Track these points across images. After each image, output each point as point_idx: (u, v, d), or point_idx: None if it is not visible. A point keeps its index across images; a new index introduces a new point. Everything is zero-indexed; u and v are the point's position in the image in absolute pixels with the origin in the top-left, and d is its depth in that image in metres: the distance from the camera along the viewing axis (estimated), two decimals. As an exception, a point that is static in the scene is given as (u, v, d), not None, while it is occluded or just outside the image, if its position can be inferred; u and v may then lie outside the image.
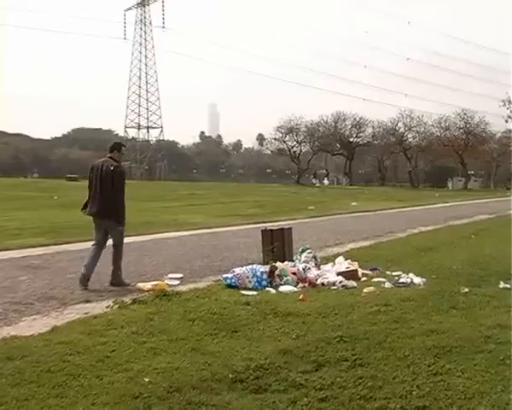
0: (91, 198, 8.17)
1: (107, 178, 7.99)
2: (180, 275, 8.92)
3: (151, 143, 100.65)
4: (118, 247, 8.15)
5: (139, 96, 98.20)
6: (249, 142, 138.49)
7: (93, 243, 8.23)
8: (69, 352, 4.89)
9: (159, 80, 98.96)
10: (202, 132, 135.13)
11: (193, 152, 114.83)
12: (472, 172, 79.30)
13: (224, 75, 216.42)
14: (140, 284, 7.97)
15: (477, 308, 6.50)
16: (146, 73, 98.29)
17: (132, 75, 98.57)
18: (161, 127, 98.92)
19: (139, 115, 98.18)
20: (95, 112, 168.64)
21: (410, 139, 74.31)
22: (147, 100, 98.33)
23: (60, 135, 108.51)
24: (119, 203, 7.98)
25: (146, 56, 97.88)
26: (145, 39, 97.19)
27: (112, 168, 8.01)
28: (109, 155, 8.23)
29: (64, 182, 47.12)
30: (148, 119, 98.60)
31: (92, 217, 8.18)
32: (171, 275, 8.87)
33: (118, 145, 8.39)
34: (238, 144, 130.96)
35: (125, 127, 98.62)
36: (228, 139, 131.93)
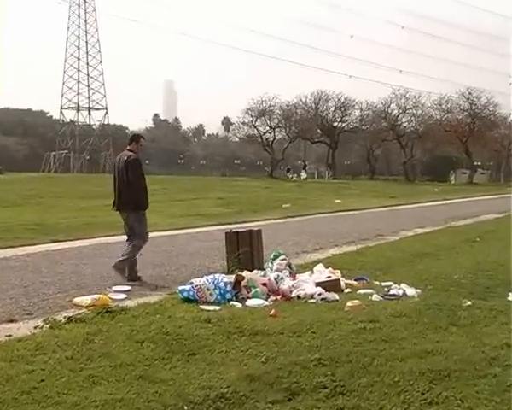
0: (115, 193, 9.76)
1: (123, 170, 9.52)
2: (127, 287, 8.88)
3: (93, 127, 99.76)
4: (133, 237, 9.60)
5: (78, 70, 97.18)
6: (213, 127, 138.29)
7: (126, 238, 9.80)
8: (-13, 383, 4.81)
9: (102, 51, 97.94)
10: (156, 115, 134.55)
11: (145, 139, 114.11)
12: (478, 163, 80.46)
13: (182, 46, 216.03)
14: (77, 299, 7.90)
15: (481, 325, 6.60)
16: (86, 42, 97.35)
17: (69, 45, 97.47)
18: (106, 108, 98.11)
19: (78, 94, 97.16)
20: (22, 90, 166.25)
21: (405, 124, 74.96)
22: (87, 75, 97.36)
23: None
24: (135, 192, 9.43)
25: (86, 21, 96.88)
26: (84, 0, 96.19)
27: (125, 158, 9.54)
28: (128, 147, 9.80)
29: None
30: (89, 98, 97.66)
31: (119, 212, 9.79)
32: (115, 287, 8.82)
33: (135, 137, 10.09)
34: (199, 130, 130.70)
35: (61, 108, 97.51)
36: (187, 123, 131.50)
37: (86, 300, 7.78)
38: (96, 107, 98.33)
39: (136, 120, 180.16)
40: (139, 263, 9.79)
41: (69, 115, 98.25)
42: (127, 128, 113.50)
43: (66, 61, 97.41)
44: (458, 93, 70.83)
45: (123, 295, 8.38)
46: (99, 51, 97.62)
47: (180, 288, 8.07)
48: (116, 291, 8.62)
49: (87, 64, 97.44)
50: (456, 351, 5.57)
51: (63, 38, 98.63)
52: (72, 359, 5.39)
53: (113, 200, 9.91)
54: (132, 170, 9.53)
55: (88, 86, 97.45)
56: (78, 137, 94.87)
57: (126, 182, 9.51)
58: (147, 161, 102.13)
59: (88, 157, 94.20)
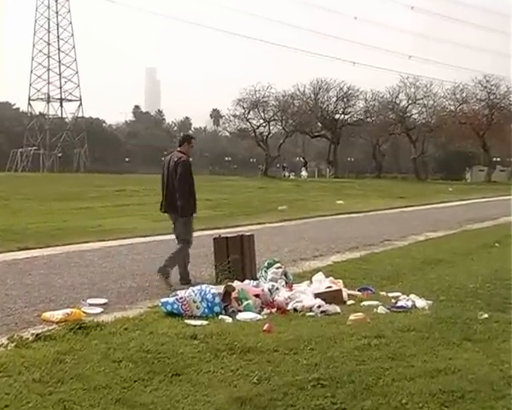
0: (163, 195, 10.47)
1: (173, 172, 10.22)
2: (103, 300, 8.87)
3: (66, 121, 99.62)
4: (180, 241, 10.36)
5: (48, 56, 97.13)
6: (201, 120, 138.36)
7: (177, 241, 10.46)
8: None
9: (75, 35, 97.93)
10: (137, 107, 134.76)
11: (124, 134, 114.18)
12: (497, 159, 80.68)
13: (166, 29, 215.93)
14: (47, 314, 7.87)
15: (499, 340, 6.62)
16: (57, 25, 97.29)
17: (38, 27, 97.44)
18: (80, 100, 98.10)
19: (48, 83, 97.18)
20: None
21: (415, 116, 75.44)
22: (59, 62, 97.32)
23: None
24: (183, 195, 10.12)
25: (56, 1, 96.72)
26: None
27: (176, 160, 10.26)
28: (178, 148, 10.56)
29: None
30: (60, 88, 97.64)
31: (167, 214, 10.59)
32: (90, 300, 8.80)
33: (187, 137, 10.99)
34: (186, 124, 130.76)
35: (29, 99, 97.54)
36: (172, 116, 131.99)
37: (57, 314, 7.75)
38: (68, 98, 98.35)
39: (114, 112, 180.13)
40: (117, 273, 9.76)
41: (38, 107, 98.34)
42: (104, 122, 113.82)
43: (34, 46, 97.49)
44: (474, 81, 71.16)
45: (98, 309, 8.35)
46: (72, 35, 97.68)
47: (163, 300, 8.06)
48: (91, 305, 8.59)
49: (58, 50, 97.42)
50: (471, 369, 5.59)
51: (31, 20, 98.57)
52: (41, 381, 5.36)
53: (161, 202, 10.62)
54: (181, 172, 10.20)
55: (59, 75, 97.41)
56: (48, 132, 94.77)
57: (176, 184, 10.19)
58: (126, 159, 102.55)
59: (60, 154, 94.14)
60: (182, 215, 10.25)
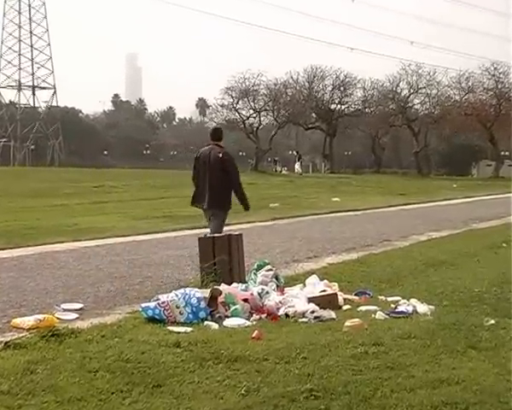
0: (200, 189, 11.16)
1: (214, 167, 10.92)
2: (79, 305, 8.85)
3: (39, 110, 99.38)
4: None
5: (19, 40, 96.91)
6: (186, 110, 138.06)
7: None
8: None
9: (49, 17, 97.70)
10: (116, 96, 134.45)
11: (102, 125, 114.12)
12: (506, 153, 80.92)
13: (148, 12, 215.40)
14: (17, 320, 7.84)
15: (506, 348, 6.64)
16: (29, 6, 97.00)
17: (8, 9, 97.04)
18: (54, 87, 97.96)
19: (20, 69, 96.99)
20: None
21: (418, 106, 75.52)
22: (31, 46, 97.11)
23: None
24: (227, 190, 11.06)
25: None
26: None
27: (220, 155, 10.98)
28: (214, 142, 11.27)
29: None
30: (33, 74, 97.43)
31: (202, 210, 11.31)
32: (64, 305, 8.78)
33: (221, 131, 11.78)
34: (169, 114, 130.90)
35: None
36: (154, 106, 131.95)
37: (28, 321, 7.72)
38: (41, 85, 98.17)
39: (91, 101, 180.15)
40: (94, 276, 9.76)
41: (8, 96, 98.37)
42: (80, 112, 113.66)
43: (4, 28, 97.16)
44: (482, 69, 71.10)
45: (73, 315, 8.33)
46: (45, 17, 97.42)
47: (144, 305, 8.05)
48: (65, 310, 8.57)
49: (30, 33, 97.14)
50: (475, 380, 5.61)
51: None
52: (10, 393, 5.34)
53: (193, 195, 11.38)
54: (232, 167, 11.18)
55: (31, 60, 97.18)
56: (19, 123, 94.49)
57: (220, 179, 10.93)
58: (105, 152, 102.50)
59: (32, 147, 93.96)
60: (225, 208, 11.17)
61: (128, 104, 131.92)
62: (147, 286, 10.26)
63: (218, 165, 10.95)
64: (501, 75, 70.39)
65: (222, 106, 70.76)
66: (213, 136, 11.47)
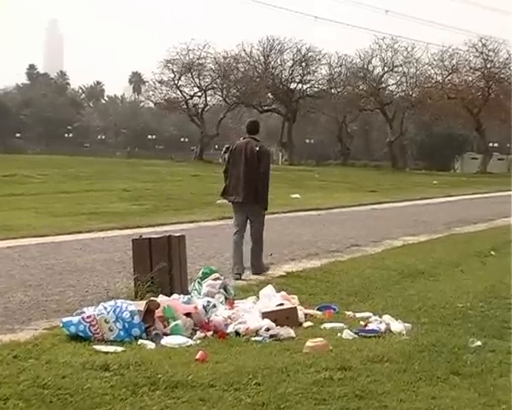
0: (234, 182, 12.42)
1: (253, 160, 12.21)
2: (-15, 319, 8.76)
3: None
4: (258, 238, 12.45)
5: None
6: (116, 87, 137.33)
7: (234, 230, 12.56)
8: None
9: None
10: (32, 67, 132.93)
11: (15, 102, 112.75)
12: (495, 144, 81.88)
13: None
14: None
15: (495, 375, 6.73)
16: None
17: None
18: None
19: None
20: None
21: (393, 87, 76.19)
22: None
23: None
24: (266, 186, 12.37)
25: None
26: None
27: (258, 149, 12.29)
28: (251, 135, 12.60)
29: None
30: None
31: (233, 203, 12.65)
32: (-32, 319, 8.70)
33: (258, 124, 13.23)
34: (96, 90, 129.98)
35: None
36: (78, 81, 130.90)
37: None
38: None
39: (3, 74, 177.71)
40: (4, 284, 9.68)
41: None
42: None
43: None
44: (468, 44, 71.68)
45: (-21, 331, 8.26)
46: None
47: (65, 320, 7.99)
48: (-31, 324, 8.50)
49: None
50: (459, 411, 5.67)
51: None
52: None
53: (224, 188, 12.68)
54: (266, 163, 12.55)
55: None
56: None
57: (255, 173, 12.25)
58: (17, 134, 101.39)
59: None
60: (264, 203, 12.45)
61: (46, 78, 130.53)
62: (69, 297, 10.19)
63: (256, 159, 12.25)
64: (490, 53, 70.97)
65: (160, 82, 70.59)
66: (250, 129, 12.81)
